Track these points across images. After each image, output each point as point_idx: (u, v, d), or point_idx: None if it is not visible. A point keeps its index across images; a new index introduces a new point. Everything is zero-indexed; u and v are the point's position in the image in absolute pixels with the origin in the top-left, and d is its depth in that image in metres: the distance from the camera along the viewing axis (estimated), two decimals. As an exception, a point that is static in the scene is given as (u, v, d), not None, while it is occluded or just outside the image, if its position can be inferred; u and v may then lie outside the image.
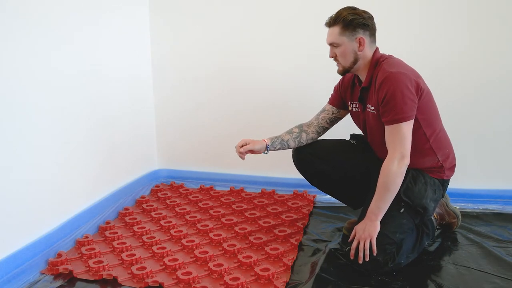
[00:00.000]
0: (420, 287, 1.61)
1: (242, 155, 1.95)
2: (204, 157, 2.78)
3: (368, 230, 1.68)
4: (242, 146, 1.94)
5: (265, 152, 1.99)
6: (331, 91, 2.04)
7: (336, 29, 1.74)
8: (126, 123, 2.49)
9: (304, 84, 2.54)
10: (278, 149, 2.00)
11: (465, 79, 2.34)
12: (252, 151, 1.96)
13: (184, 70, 2.71)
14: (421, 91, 1.69)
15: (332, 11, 1.77)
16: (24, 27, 1.72)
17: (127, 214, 2.29)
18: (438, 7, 2.31)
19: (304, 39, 2.47)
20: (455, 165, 1.88)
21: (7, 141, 1.68)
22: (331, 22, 1.75)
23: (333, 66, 1.84)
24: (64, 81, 1.97)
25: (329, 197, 2.33)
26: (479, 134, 2.38)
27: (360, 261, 1.68)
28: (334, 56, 1.79)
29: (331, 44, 1.78)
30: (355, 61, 1.76)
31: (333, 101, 2.01)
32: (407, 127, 1.65)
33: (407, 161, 1.65)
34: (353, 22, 1.71)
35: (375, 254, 1.66)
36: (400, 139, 1.65)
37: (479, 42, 2.30)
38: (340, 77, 1.95)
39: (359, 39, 1.73)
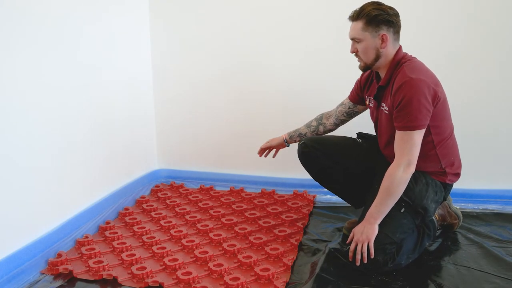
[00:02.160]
0: (420, 287, 1.61)
1: (261, 152, 2.21)
2: (204, 157, 2.78)
3: (366, 233, 1.68)
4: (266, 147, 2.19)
5: (287, 145, 2.17)
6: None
7: (359, 24, 1.69)
8: (126, 123, 2.49)
9: (306, 85, 2.53)
10: (297, 141, 2.10)
11: (465, 79, 2.34)
12: (272, 147, 2.19)
13: (185, 70, 2.71)
14: (437, 99, 1.67)
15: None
16: (23, 28, 1.72)
17: (127, 214, 2.29)
18: (439, 5, 2.31)
19: (310, 40, 2.46)
20: (459, 173, 1.86)
21: (7, 141, 1.68)
22: (355, 16, 1.71)
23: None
24: (64, 82, 1.97)
25: (329, 197, 2.34)
26: (479, 134, 2.37)
27: (358, 264, 1.68)
28: (355, 52, 1.75)
29: (353, 39, 1.74)
30: (377, 58, 1.72)
31: (350, 95, 2.02)
32: (419, 135, 1.64)
33: (412, 169, 1.64)
34: (377, 18, 1.67)
35: (372, 257, 1.66)
36: (410, 147, 1.63)
37: (480, 42, 2.29)
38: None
39: (382, 35, 1.69)
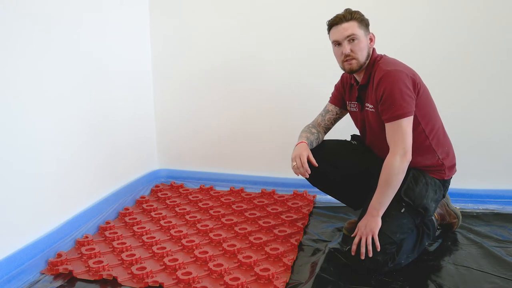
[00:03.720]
0: (420, 287, 1.61)
1: (308, 172, 1.81)
2: (204, 157, 2.78)
3: (370, 226, 1.68)
4: (302, 163, 1.80)
5: None
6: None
7: (354, 23, 1.73)
8: (126, 123, 2.49)
9: (307, 84, 2.53)
10: None
11: (465, 78, 2.34)
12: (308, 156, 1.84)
13: (185, 70, 2.71)
14: (418, 87, 1.71)
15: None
16: (19, 26, 1.72)
17: (127, 214, 2.29)
18: (437, 4, 2.31)
19: (311, 39, 2.46)
20: (455, 164, 1.88)
21: (7, 140, 1.68)
22: (346, 18, 1.73)
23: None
24: (64, 83, 1.97)
25: (329, 197, 2.32)
26: (479, 134, 2.38)
27: (362, 257, 1.67)
28: (349, 52, 1.73)
29: (349, 37, 1.72)
30: (368, 56, 1.77)
31: (334, 100, 2.01)
32: (407, 123, 1.66)
33: (409, 157, 1.66)
34: (365, 20, 1.76)
35: (378, 249, 1.66)
36: (401, 135, 1.65)
37: (479, 41, 2.29)
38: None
39: (370, 35, 1.78)
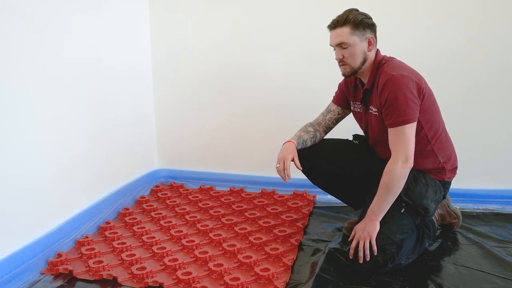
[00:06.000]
0: (420, 287, 1.61)
1: (288, 177, 1.83)
2: (204, 157, 2.78)
3: (368, 230, 1.69)
4: (284, 167, 1.81)
5: None
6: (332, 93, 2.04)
7: (346, 29, 1.70)
8: (126, 123, 2.49)
9: (307, 84, 2.53)
10: (300, 148, 1.93)
11: (465, 78, 2.34)
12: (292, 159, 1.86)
13: (185, 70, 2.71)
14: (423, 92, 1.69)
15: (338, 10, 1.77)
16: (17, 22, 1.71)
17: (127, 214, 2.29)
18: (438, 4, 2.31)
19: (311, 38, 2.46)
20: (456, 167, 1.87)
21: (7, 139, 1.68)
22: (340, 22, 1.71)
23: (338, 67, 1.83)
24: (64, 83, 1.97)
25: (329, 197, 2.34)
26: (479, 134, 2.38)
27: (360, 261, 1.68)
28: (341, 58, 1.75)
29: (339, 45, 1.73)
30: (364, 61, 1.74)
31: (337, 100, 2.00)
32: (411, 129, 1.65)
33: (410, 164, 1.65)
34: (363, 22, 1.71)
35: (375, 253, 1.66)
36: (403, 142, 1.65)
37: (479, 41, 2.29)
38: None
39: (369, 38, 1.73)
